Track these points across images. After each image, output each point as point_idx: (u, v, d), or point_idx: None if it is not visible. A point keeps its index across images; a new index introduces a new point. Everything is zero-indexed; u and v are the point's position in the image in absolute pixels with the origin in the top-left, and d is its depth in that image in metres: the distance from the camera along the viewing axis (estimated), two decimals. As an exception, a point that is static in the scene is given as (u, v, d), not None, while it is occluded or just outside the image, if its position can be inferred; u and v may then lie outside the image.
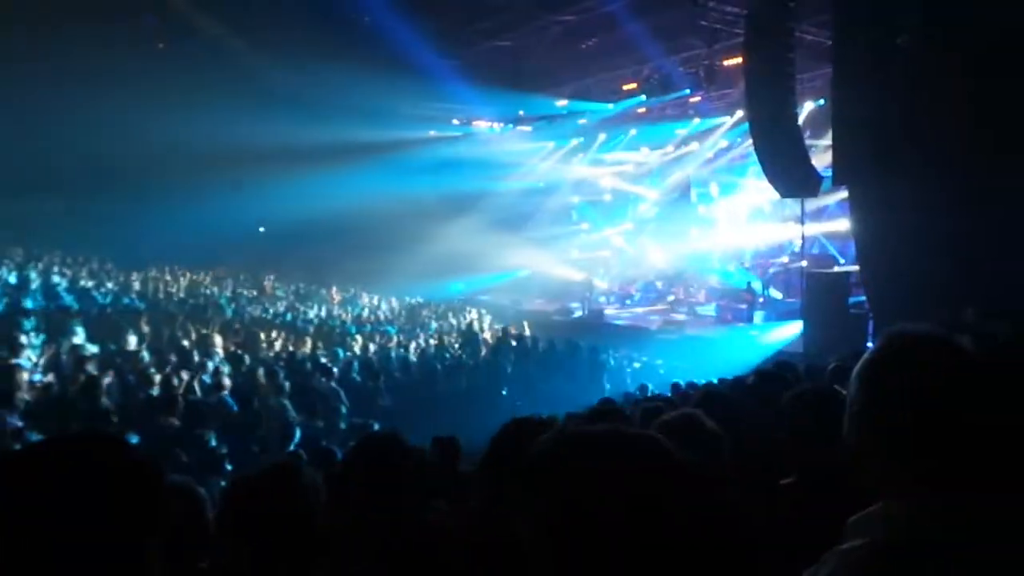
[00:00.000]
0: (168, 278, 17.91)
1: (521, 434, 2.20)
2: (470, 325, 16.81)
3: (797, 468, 2.49)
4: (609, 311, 20.65)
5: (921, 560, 1.12)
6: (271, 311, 16.57)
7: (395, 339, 14.46)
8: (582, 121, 21.83)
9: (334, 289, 21.03)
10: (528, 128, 23.51)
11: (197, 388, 7.93)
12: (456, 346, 13.93)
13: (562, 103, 20.95)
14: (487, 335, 15.06)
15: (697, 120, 19.83)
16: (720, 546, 0.97)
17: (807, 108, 15.46)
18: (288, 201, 19.65)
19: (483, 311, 19.87)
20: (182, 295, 16.37)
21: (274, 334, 12.59)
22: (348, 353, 11.95)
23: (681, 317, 18.85)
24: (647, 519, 0.93)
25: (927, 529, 1.16)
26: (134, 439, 5.59)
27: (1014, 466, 1.24)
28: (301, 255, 22.02)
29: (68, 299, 12.98)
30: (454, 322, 17.80)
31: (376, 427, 6.66)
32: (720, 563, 0.96)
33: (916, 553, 1.13)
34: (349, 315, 17.63)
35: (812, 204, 15.52)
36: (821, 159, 13.00)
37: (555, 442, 1.04)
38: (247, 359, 9.68)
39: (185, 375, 8.11)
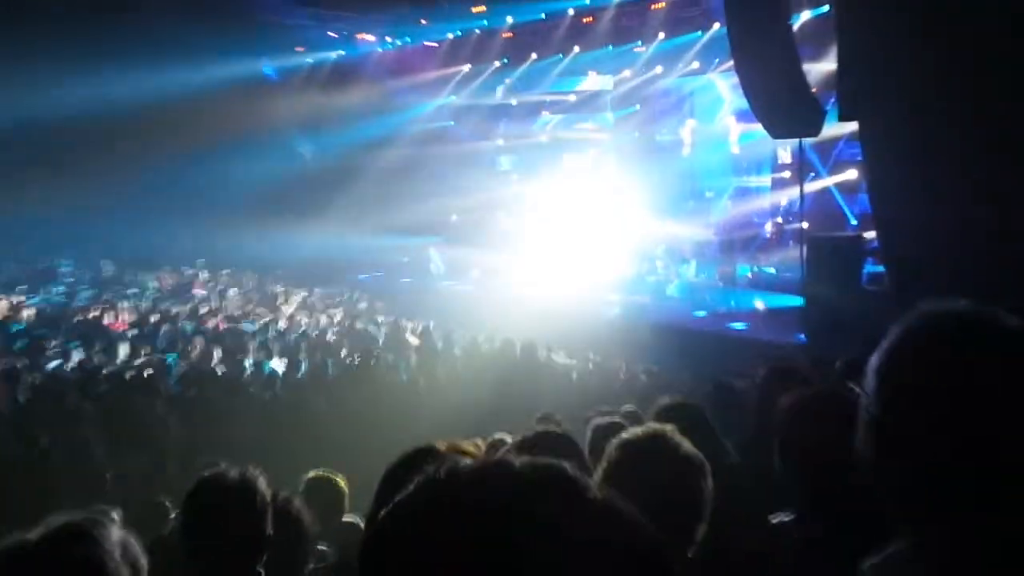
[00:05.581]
0: None
1: (410, 469, 2.20)
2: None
3: (799, 498, 2.54)
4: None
5: None
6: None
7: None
8: (507, 35, 21.75)
9: None
10: (434, 44, 23.28)
11: None
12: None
13: (479, 9, 20.80)
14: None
15: (662, 36, 19.94)
16: None
17: (803, 18, 15.49)
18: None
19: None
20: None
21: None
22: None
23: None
24: None
25: (975, 568, 1.19)
26: None
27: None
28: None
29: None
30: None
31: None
32: None
33: None
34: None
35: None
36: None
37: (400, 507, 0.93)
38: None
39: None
